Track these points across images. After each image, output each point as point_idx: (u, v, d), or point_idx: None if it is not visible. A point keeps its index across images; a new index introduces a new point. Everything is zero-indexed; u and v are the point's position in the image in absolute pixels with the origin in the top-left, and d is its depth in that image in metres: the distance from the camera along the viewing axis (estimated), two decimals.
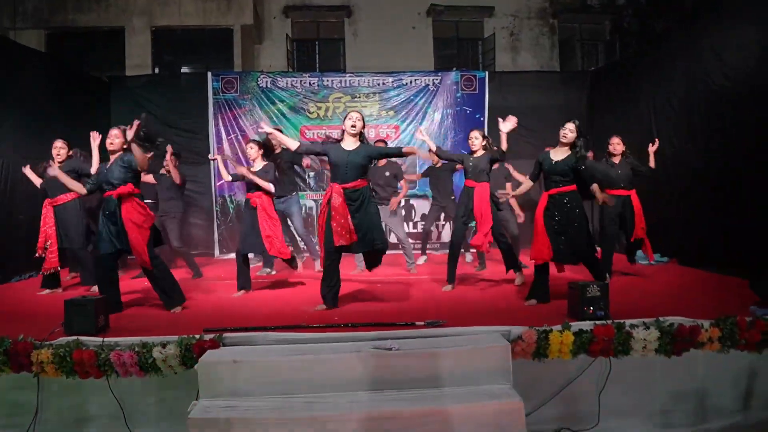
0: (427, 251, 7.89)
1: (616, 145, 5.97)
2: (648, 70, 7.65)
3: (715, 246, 6.13)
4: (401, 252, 7.11)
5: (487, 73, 9.45)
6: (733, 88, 5.99)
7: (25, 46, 7.98)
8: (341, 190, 4.55)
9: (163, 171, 6.73)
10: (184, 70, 12.78)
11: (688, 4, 12.61)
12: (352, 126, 4.63)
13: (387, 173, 6.88)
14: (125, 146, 4.70)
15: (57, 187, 5.55)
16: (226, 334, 3.68)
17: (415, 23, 13.21)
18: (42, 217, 5.72)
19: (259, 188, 5.52)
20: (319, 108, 9.05)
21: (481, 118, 9.03)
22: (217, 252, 8.81)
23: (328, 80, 9.14)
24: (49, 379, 3.55)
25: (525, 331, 3.57)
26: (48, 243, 5.63)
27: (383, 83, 9.12)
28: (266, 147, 6.03)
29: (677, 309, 3.95)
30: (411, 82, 9.13)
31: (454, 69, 10.39)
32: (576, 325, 3.65)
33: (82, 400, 3.65)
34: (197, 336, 3.57)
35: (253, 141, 5.92)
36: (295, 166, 7.20)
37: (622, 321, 3.68)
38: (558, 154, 4.74)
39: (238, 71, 10.73)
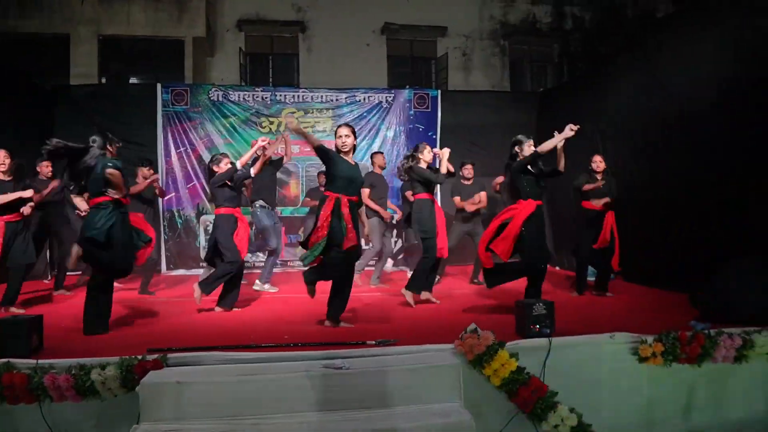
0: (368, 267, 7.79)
1: (599, 163, 6.11)
2: (594, 91, 7.90)
3: (657, 262, 6.34)
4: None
5: (440, 91, 9.59)
6: (671, 111, 6.25)
7: None
8: (347, 202, 4.46)
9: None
10: (133, 80, 12.46)
11: (631, 29, 13.18)
12: (343, 144, 4.57)
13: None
14: None
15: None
16: (170, 354, 3.52)
17: (369, 40, 13.32)
18: None
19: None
20: (272, 122, 8.96)
21: (434, 136, 9.14)
22: (164, 267, 8.54)
23: (281, 95, 9.07)
24: None
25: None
26: None
27: (337, 99, 9.12)
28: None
29: (623, 324, 4.02)
30: (364, 99, 9.16)
31: (408, 87, 10.53)
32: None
33: (11, 428, 3.40)
34: (139, 357, 3.41)
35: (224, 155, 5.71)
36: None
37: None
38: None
39: (188, 83, 10.55)
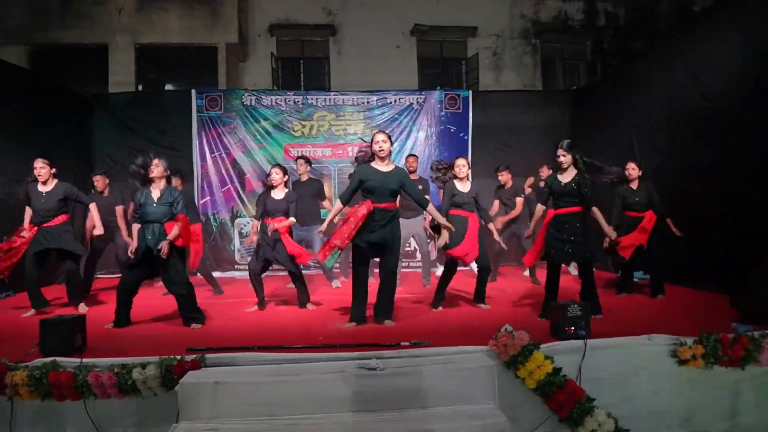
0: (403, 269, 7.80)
1: (632, 170, 5.96)
2: (628, 88, 7.78)
3: (696, 262, 6.18)
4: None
5: (470, 92, 9.54)
6: (709, 106, 6.12)
7: (6, 61, 7.88)
8: (371, 207, 4.58)
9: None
10: (168, 87, 12.74)
11: (664, 25, 12.91)
12: (380, 150, 4.66)
13: (420, 187, 6.93)
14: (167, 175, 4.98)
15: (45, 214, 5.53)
16: (208, 355, 3.60)
17: (399, 42, 13.32)
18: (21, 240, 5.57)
19: (280, 214, 5.56)
20: (304, 126, 9.06)
21: (465, 137, 9.11)
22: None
23: (312, 98, 9.16)
24: (23, 403, 3.44)
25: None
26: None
27: (368, 102, 9.16)
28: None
29: (661, 326, 3.95)
30: (395, 101, 9.18)
31: (438, 88, 10.51)
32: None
33: (57, 425, 3.53)
34: (178, 357, 3.50)
35: (278, 166, 5.83)
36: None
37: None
38: (565, 177, 4.93)
39: (222, 89, 10.73)
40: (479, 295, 5.65)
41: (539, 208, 5.27)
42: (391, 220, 4.69)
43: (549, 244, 4.96)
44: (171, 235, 4.79)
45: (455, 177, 5.60)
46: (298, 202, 5.78)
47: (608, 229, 5.10)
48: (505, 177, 7.31)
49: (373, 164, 4.72)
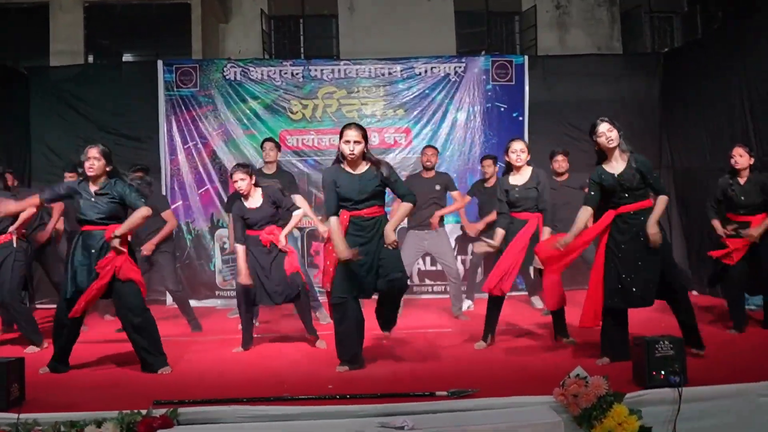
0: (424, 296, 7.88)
1: (738, 157, 5.88)
2: (739, 49, 7.71)
3: None
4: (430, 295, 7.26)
5: (526, 57, 9.57)
6: None
7: None
8: (347, 219, 4.73)
9: None
10: (127, 57, 12.94)
11: None
12: (350, 153, 4.75)
13: (437, 186, 7.03)
14: (108, 170, 5.02)
15: None
16: (181, 409, 3.67)
17: None
18: None
19: (269, 222, 5.73)
20: (305, 106, 9.16)
21: (520, 117, 9.12)
22: (168, 298, 8.82)
23: (316, 70, 9.26)
24: None
25: None
26: None
27: (389, 73, 9.23)
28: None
29: None
30: (426, 71, 9.23)
31: (483, 53, 10.52)
32: None
33: None
34: (143, 411, 3.57)
35: (240, 167, 5.85)
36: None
37: None
38: (615, 166, 4.87)
39: (197, 59, 10.83)
40: (559, 326, 5.71)
41: (584, 212, 5.07)
42: (379, 231, 4.79)
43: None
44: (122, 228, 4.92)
45: (510, 168, 5.66)
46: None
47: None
48: (560, 165, 7.27)
49: (343, 165, 4.86)
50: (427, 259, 8.64)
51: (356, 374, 4.65)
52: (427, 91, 9.20)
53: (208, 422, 3.63)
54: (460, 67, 9.28)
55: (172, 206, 8.79)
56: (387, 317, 5.04)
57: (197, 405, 3.77)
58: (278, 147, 7.42)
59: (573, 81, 9.33)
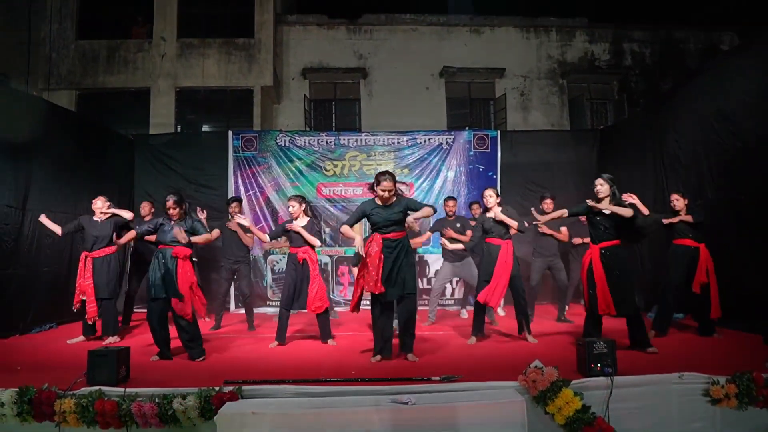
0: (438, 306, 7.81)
1: (675, 201, 5.85)
2: (656, 127, 7.82)
3: (729, 301, 6.10)
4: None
5: (498, 132, 9.68)
6: (741, 146, 6.13)
7: (56, 105, 8.36)
8: (381, 240, 4.80)
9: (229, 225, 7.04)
10: (206, 128, 13.20)
11: (692, 63, 12.97)
12: (386, 199, 4.85)
13: (458, 225, 7.02)
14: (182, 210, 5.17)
15: (99, 240, 5.96)
16: (245, 387, 3.72)
17: (428, 84, 13.64)
18: (79, 269, 5.93)
19: (305, 243, 5.72)
20: (336, 166, 9.28)
21: (494, 176, 9.21)
22: (232, 306, 8.88)
23: (344, 139, 9.40)
24: (69, 429, 3.59)
25: None
26: (83, 296, 5.84)
27: (398, 142, 9.37)
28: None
29: (692, 364, 3.93)
30: (425, 141, 9.37)
31: (467, 128, 10.71)
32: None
33: None
34: (217, 388, 3.62)
35: (295, 197, 5.98)
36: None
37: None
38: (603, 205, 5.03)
39: (257, 130, 11.08)
40: (523, 328, 5.77)
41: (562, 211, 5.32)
42: (402, 249, 4.87)
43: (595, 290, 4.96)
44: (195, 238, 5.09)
45: (486, 210, 5.76)
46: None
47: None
48: (548, 206, 7.07)
49: (376, 200, 4.95)
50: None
51: (374, 364, 4.69)
52: (425, 156, 9.32)
53: (264, 396, 3.67)
54: (450, 138, 9.41)
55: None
56: (403, 341, 4.97)
57: (256, 384, 3.81)
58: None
59: (533, 149, 9.42)
